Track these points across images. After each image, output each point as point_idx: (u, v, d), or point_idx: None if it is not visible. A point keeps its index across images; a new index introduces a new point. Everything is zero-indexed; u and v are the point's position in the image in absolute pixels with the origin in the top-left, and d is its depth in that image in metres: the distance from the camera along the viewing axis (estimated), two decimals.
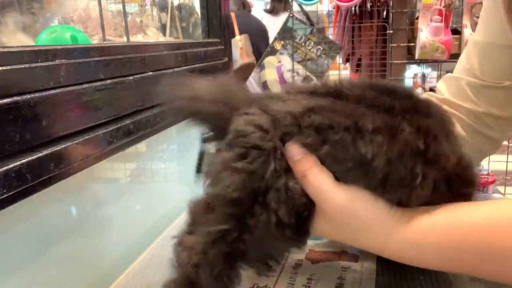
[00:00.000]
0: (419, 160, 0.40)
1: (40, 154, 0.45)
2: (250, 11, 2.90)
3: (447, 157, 0.42)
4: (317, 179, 0.41)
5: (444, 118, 0.46)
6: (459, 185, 0.44)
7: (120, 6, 1.19)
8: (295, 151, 0.41)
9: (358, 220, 0.42)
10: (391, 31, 1.93)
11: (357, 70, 2.18)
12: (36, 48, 0.48)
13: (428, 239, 0.40)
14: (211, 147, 0.47)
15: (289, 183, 0.40)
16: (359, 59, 2.17)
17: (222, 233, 0.40)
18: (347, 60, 2.26)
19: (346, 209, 0.41)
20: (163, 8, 1.84)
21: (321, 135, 0.40)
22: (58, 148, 0.48)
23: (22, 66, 0.45)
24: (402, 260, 0.43)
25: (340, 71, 2.25)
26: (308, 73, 2.03)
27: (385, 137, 0.39)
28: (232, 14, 2.29)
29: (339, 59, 2.23)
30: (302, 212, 0.41)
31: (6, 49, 0.44)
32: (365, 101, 0.42)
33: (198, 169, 0.51)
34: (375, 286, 0.58)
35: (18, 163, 0.42)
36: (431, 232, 0.40)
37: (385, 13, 2.07)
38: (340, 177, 0.41)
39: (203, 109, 0.44)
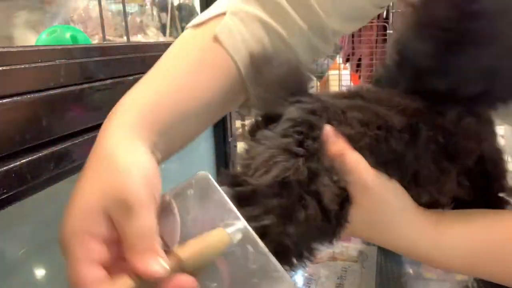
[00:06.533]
0: (442, 155, 0.42)
1: (40, 154, 0.45)
2: None
3: (467, 153, 0.44)
4: (353, 157, 0.41)
5: (459, 117, 0.46)
6: (483, 179, 0.45)
7: (120, 6, 1.19)
8: (332, 133, 0.42)
9: (388, 209, 0.41)
10: (391, 31, 1.93)
11: (357, 70, 2.18)
12: (36, 48, 0.48)
13: (460, 244, 0.40)
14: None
15: (335, 164, 0.41)
16: (359, 59, 2.17)
17: (265, 230, 0.38)
18: (347, 60, 2.25)
19: (378, 195, 0.41)
20: (163, 8, 1.84)
21: (363, 128, 0.43)
22: (58, 148, 0.48)
23: (22, 66, 0.44)
24: (429, 263, 0.43)
25: (340, 71, 2.24)
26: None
27: (410, 135, 0.42)
28: None
29: (339, 59, 2.23)
30: (344, 197, 0.41)
31: (6, 49, 0.44)
32: (383, 103, 0.45)
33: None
34: (375, 286, 0.58)
35: (18, 163, 0.42)
36: (463, 237, 0.40)
37: (385, 13, 2.07)
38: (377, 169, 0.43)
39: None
